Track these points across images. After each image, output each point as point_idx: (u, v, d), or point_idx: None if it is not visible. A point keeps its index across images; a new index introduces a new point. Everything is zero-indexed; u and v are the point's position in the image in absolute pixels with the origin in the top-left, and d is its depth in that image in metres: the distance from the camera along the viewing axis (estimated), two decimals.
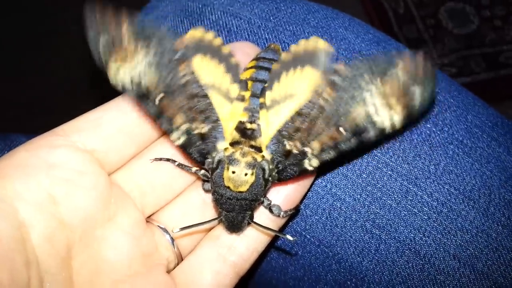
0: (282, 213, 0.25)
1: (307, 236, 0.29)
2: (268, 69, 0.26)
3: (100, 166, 0.24)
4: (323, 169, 0.25)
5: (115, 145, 0.24)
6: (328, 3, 0.35)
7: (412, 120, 0.23)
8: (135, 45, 0.24)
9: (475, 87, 0.99)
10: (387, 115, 0.23)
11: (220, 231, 0.25)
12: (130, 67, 0.23)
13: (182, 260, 0.26)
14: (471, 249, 0.27)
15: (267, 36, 0.32)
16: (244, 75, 0.26)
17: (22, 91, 0.94)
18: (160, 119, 0.24)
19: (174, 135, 0.24)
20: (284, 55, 0.25)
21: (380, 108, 0.23)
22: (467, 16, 1.04)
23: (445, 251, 0.27)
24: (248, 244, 0.25)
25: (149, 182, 0.25)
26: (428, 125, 0.29)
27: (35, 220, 0.21)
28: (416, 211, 0.27)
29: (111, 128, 0.24)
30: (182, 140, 0.24)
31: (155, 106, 0.24)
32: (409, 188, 0.28)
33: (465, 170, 0.28)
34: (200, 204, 0.26)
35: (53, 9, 1.03)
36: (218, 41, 0.25)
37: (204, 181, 0.25)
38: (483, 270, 0.27)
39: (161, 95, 0.24)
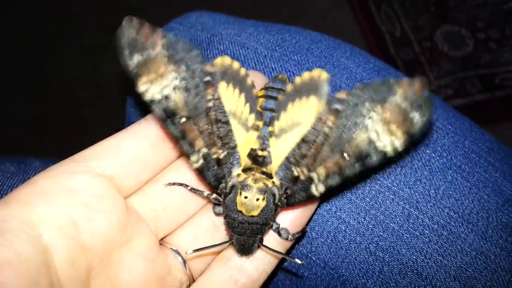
0: (290, 236, 0.26)
1: (313, 258, 0.30)
2: (276, 98, 0.27)
3: (117, 191, 0.25)
4: (328, 193, 0.26)
5: (132, 171, 0.25)
6: (327, 27, 0.37)
7: (412, 143, 0.24)
8: (167, 67, 0.25)
9: (471, 109, 1.01)
10: (388, 140, 0.24)
11: (231, 253, 0.26)
12: (159, 87, 0.25)
13: (194, 281, 0.27)
14: (470, 270, 0.28)
15: (273, 65, 0.33)
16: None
17: (22, 110, 0.95)
18: (181, 140, 0.25)
19: (193, 158, 0.25)
20: (289, 87, 0.26)
21: (381, 134, 0.24)
22: (463, 39, 1.06)
23: (446, 273, 0.28)
24: (257, 265, 0.26)
25: (162, 205, 0.26)
26: (428, 151, 0.30)
27: (58, 244, 0.22)
28: (417, 233, 0.29)
29: (128, 155, 0.25)
30: (200, 163, 0.25)
31: (178, 127, 0.25)
32: (411, 212, 0.29)
33: (463, 194, 0.29)
34: (210, 227, 0.27)
35: (54, 29, 1.04)
36: (243, 71, 0.26)
37: (215, 204, 0.27)
38: None
39: (185, 117, 0.25)
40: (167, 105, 0.25)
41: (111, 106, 0.90)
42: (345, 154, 0.24)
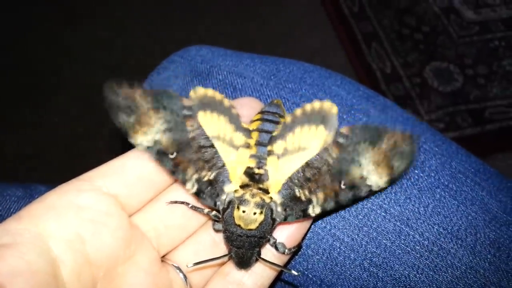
0: (286, 250, 0.27)
1: (309, 275, 0.31)
2: (272, 121, 0.29)
3: (122, 209, 0.26)
4: (322, 214, 0.28)
5: (136, 190, 0.27)
6: (320, 64, 0.39)
7: (393, 182, 0.28)
8: (154, 117, 0.27)
9: (462, 142, 1.03)
10: (376, 179, 0.27)
11: (230, 268, 0.28)
12: (151, 136, 0.27)
13: None
14: (461, 284, 0.29)
15: (268, 93, 0.35)
16: (251, 126, 0.29)
17: (21, 145, 0.96)
18: (175, 172, 0.27)
19: (188, 185, 0.27)
20: (298, 111, 0.28)
21: (371, 173, 0.27)
22: (451, 75, 1.10)
23: (437, 287, 0.29)
24: (256, 279, 0.27)
25: (164, 224, 0.28)
26: (416, 171, 0.32)
27: (66, 257, 0.23)
28: (409, 249, 0.30)
29: (133, 175, 0.27)
30: (195, 188, 0.27)
31: (170, 162, 0.27)
32: (402, 228, 0.30)
33: (452, 212, 0.31)
34: (211, 244, 0.28)
35: (54, 67, 1.07)
36: (218, 96, 0.28)
37: (214, 221, 0.28)
38: None
39: (175, 153, 0.27)
40: (158, 148, 0.27)
41: (110, 141, 0.92)
42: (342, 185, 0.27)
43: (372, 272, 0.30)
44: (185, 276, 0.27)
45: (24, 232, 0.23)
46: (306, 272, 0.31)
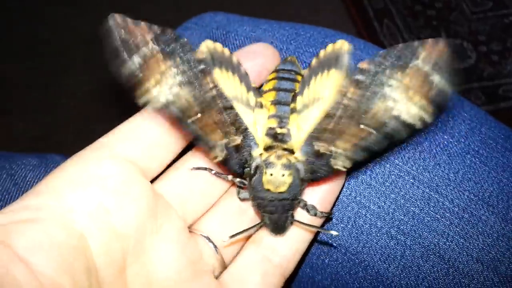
0: (318, 213, 0.26)
1: (333, 244, 0.30)
2: (288, 79, 0.27)
3: (143, 176, 0.24)
4: (357, 167, 0.26)
5: (154, 153, 0.25)
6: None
7: (436, 111, 0.23)
8: (165, 63, 0.23)
9: None
10: (407, 108, 0.23)
11: (262, 235, 0.26)
12: (167, 86, 0.23)
13: (225, 266, 0.26)
14: (493, 252, 0.28)
15: None
16: (267, 86, 0.27)
17: (30, 127, 0.95)
18: (200, 138, 0.24)
19: (216, 152, 0.25)
20: (313, 61, 0.26)
21: (400, 102, 0.23)
22: (465, 52, 1.07)
23: (468, 255, 0.28)
24: (290, 244, 0.26)
25: (188, 190, 0.26)
26: (446, 136, 0.30)
27: (92, 231, 0.22)
28: (438, 217, 0.29)
29: (149, 137, 0.25)
30: (223, 154, 0.25)
31: (194, 125, 0.24)
32: (431, 195, 0.29)
33: (482, 178, 0.29)
34: (237, 211, 0.27)
35: (61, 47, 1.06)
36: (227, 51, 0.26)
37: (239, 189, 0.26)
38: (506, 272, 0.28)
39: (199, 112, 0.24)
40: (180, 104, 0.23)
41: (119, 122, 0.91)
42: (368, 127, 0.23)
43: (399, 240, 0.29)
44: (215, 246, 0.26)
45: (45, 207, 0.21)
46: (330, 241, 0.30)
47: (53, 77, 1.01)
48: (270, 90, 0.27)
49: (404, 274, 0.29)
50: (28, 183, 0.32)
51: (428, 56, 0.22)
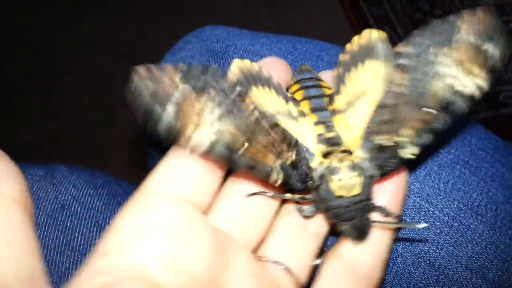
0: (390, 213, 0.25)
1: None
2: (314, 86, 0.26)
3: (199, 211, 0.23)
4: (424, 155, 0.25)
5: (202, 186, 0.24)
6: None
7: (492, 77, 0.23)
8: (200, 101, 0.22)
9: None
10: (468, 81, 0.22)
11: (340, 248, 0.25)
12: (207, 126, 0.22)
13: (303, 286, 0.25)
14: (481, 260, 0.29)
15: None
16: (296, 97, 0.26)
17: (35, 133, 0.96)
18: (254, 168, 0.23)
19: (274, 177, 0.23)
20: (341, 57, 0.25)
21: (458, 76, 0.22)
22: None
23: (458, 262, 0.29)
24: (371, 252, 0.25)
25: (243, 217, 0.24)
26: (436, 147, 0.31)
27: (168, 279, 0.21)
28: (429, 225, 0.30)
29: (192, 171, 0.23)
30: (281, 177, 0.23)
31: (243, 157, 0.22)
32: (422, 204, 0.30)
33: (472, 188, 0.30)
34: (297, 228, 0.25)
35: (66, 53, 1.07)
36: (256, 66, 0.25)
37: (298, 203, 0.25)
38: (493, 279, 0.29)
39: (245, 141, 0.22)
40: (224, 140, 0.22)
41: (123, 128, 0.92)
42: (428, 108, 0.23)
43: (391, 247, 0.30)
44: (287, 268, 0.24)
45: (117, 267, 0.20)
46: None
47: (57, 83, 1.03)
48: (301, 100, 0.26)
49: (396, 281, 0.30)
50: (34, 193, 0.33)
51: (471, 27, 0.22)
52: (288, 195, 0.24)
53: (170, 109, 0.21)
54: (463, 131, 0.33)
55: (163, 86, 0.21)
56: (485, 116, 1.04)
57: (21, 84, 1.02)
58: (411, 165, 0.30)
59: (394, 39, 1.10)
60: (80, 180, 0.34)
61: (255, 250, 0.25)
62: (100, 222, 0.32)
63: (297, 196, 0.24)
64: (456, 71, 0.23)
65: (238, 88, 0.23)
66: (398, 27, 1.13)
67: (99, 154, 0.93)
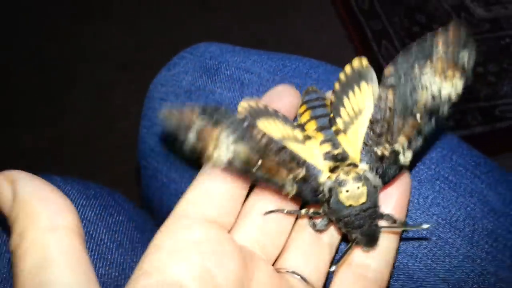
0: (396, 220, 0.27)
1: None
2: (320, 106, 0.29)
3: (226, 232, 0.26)
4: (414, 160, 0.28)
5: (228, 209, 0.27)
6: (331, 62, 0.40)
7: (466, 80, 0.26)
8: (216, 129, 0.26)
9: (472, 140, 1.03)
10: (448, 86, 0.26)
11: (351, 256, 0.27)
12: (224, 146, 0.26)
13: None
14: (458, 273, 0.30)
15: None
16: (303, 118, 0.29)
17: (36, 141, 0.98)
18: (269, 180, 0.26)
19: (288, 188, 0.26)
20: (337, 85, 0.29)
21: (440, 84, 0.26)
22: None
23: (435, 275, 0.30)
24: (380, 256, 0.27)
25: (263, 233, 0.27)
26: (417, 163, 0.33)
27: None
28: (408, 239, 0.31)
29: (219, 195, 0.27)
30: (294, 189, 0.26)
31: (258, 173, 0.26)
32: None
33: (451, 203, 0.32)
34: (312, 240, 0.28)
35: (67, 62, 1.09)
36: (261, 104, 0.28)
37: (310, 218, 0.28)
38: None
39: (260, 160, 0.26)
40: (240, 158, 0.26)
41: (122, 138, 0.94)
42: (417, 116, 0.26)
43: None
44: (304, 279, 0.27)
45: (161, 285, 0.23)
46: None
47: (60, 92, 1.04)
48: (308, 120, 0.29)
49: None
50: None
51: (446, 40, 0.26)
52: (303, 211, 0.27)
53: (191, 135, 0.26)
54: (444, 148, 0.34)
55: (184, 121, 0.26)
56: (481, 130, 1.05)
57: (22, 92, 1.04)
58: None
59: (391, 52, 1.12)
60: (74, 190, 0.35)
61: (275, 263, 0.28)
62: (91, 233, 0.34)
63: (310, 211, 0.27)
64: (439, 80, 0.26)
65: (245, 123, 0.27)
66: (396, 41, 1.14)
67: (97, 163, 0.94)
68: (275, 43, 1.10)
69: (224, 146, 0.26)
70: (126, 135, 0.86)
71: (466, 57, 0.26)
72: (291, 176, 0.26)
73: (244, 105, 0.29)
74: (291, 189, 0.26)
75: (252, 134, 0.26)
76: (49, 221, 0.21)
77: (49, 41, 1.11)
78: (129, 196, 0.53)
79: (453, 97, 0.26)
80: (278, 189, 0.27)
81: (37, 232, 0.21)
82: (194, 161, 0.27)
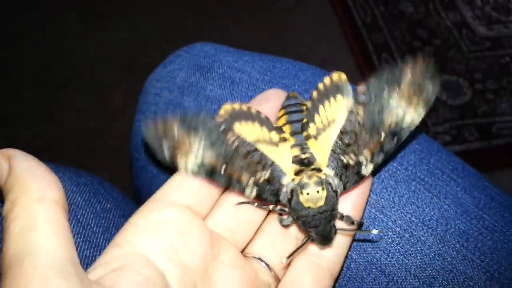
0: (355, 221, 0.29)
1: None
2: (296, 111, 0.31)
3: (199, 217, 0.29)
4: (375, 170, 0.30)
5: (201, 198, 0.30)
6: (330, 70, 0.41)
7: (427, 107, 0.29)
8: (190, 138, 0.29)
9: (469, 156, 1.05)
10: (412, 110, 0.28)
11: (308, 247, 0.30)
12: (194, 155, 0.29)
13: (279, 279, 0.30)
14: (429, 270, 0.31)
15: (263, 87, 0.38)
16: (280, 122, 0.31)
17: (34, 140, 1.00)
18: (231, 184, 0.29)
19: (248, 191, 0.29)
20: (314, 93, 0.31)
21: (405, 107, 0.29)
22: (461, 89, 1.11)
23: (407, 271, 0.31)
24: (333, 250, 0.29)
25: (234, 222, 0.30)
26: (395, 164, 0.34)
27: (169, 268, 0.26)
28: (382, 235, 0.32)
29: (195, 186, 0.29)
30: (254, 192, 0.29)
31: (223, 176, 0.29)
32: (376, 215, 0.32)
33: (425, 203, 0.33)
34: (280, 231, 0.31)
35: (68, 62, 1.11)
36: (244, 107, 0.31)
37: (280, 215, 0.30)
38: None
39: (224, 165, 0.29)
40: (207, 164, 0.29)
41: (119, 138, 0.95)
42: (382, 133, 0.28)
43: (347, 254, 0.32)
44: (267, 265, 0.30)
45: (129, 255, 0.25)
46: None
47: (59, 91, 1.06)
48: (284, 124, 0.31)
49: (349, 285, 0.32)
50: None
51: (414, 70, 0.29)
52: (271, 206, 0.30)
53: (167, 144, 0.29)
54: (422, 151, 0.35)
55: (164, 131, 0.29)
56: (479, 147, 1.06)
57: (23, 90, 1.06)
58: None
59: (391, 65, 1.14)
60: (65, 177, 0.37)
61: (244, 249, 0.31)
62: (79, 217, 0.35)
63: (278, 207, 0.30)
64: (404, 104, 0.29)
65: (222, 127, 0.30)
66: (396, 54, 1.16)
67: (94, 163, 0.96)
68: (275, 52, 1.12)
69: (193, 155, 0.29)
70: (124, 136, 0.87)
71: (430, 88, 0.28)
72: (252, 180, 0.29)
73: (227, 108, 0.31)
74: (252, 191, 0.29)
75: (225, 138, 0.29)
76: (39, 193, 0.24)
77: (51, 41, 1.13)
78: (126, 194, 0.54)
79: (416, 122, 0.29)
80: (240, 191, 0.29)
81: (27, 201, 0.23)
82: (172, 168, 0.30)
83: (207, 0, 1.21)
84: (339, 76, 0.31)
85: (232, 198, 0.30)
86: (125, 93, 1.04)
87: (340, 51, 1.17)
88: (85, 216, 0.35)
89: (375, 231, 0.29)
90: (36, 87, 1.06)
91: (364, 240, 0.33)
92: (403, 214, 0.32)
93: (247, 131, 0.30)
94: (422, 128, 0.29)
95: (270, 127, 0.31)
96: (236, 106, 0.31)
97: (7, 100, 1.04)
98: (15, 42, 1.12)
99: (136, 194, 0.46)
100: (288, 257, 0.28)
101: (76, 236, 0.34)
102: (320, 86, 0.31)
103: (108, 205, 0.38)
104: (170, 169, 0.30)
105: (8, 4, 1.18)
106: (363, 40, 1.17)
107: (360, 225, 0.30)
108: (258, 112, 0.31)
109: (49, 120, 1.02)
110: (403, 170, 0.34)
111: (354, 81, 0.35)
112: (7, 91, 1.05)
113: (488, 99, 1.10)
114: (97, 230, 0.35)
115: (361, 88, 0.29)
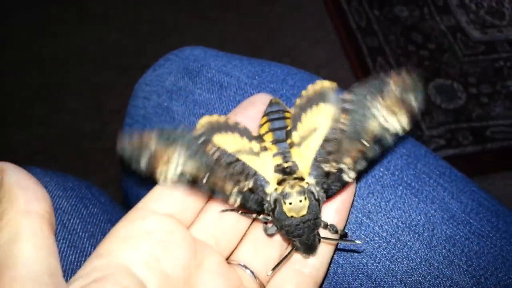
0: (338, 230, 0.29)
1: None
2: (279, 118, 0.31)
3: (182, 225, 0.29)
4: (358, 176, 0.30)
5: (185, 206, 0.29)
6: (326, 77, 0.41)
7: (412, 119, 0.29)
8: (168, 152, 0.29)
9: (462, 160, 1.05)
10: (394, 121, 0.28)
11: (291, 254, 0.29)
12: (173, 168, 0.28)
13: (264, 287, 0.30)
14: (415, 275, 0.31)
15: (252, 91, 0.38)
16: (263, 129, 0.31)
17: (28, 141, 0.99)
18: (215, 193, 0.29)
19: (231, 200, 0.29)
20: (297, 101, 0.31)
21: (387, 117, 0.28)
22: (455, 93, 1.11)
23: (393, 276, 0.31)
24: (316, 258, 0.29)
25: (219, 229, 0.30)
26: (381, 169, 0.34)
27: (149, 278, 0.26)
28: (368, 240, 0.32)
29: (180, 194, 0.29)
30: (238, 200, 0.29)
31: (205, 186, 0.28)
32: (363, 220, 0.32)
33: (411, 208, 0.33)
34: (265, 238, 0.30)
35: (65, 64, 1.10)
36: (222, 118, 0.31)
37: (265, 224, 0.30)
38: None
39: (206, 175, 0.28)
40: (189, 174, 0.28)
41: (113, 140, 0.95)
42: (364, 142, 0.28)
43: (333, 259, 0.32)
44: (252, 272, 0.30)
45: (109, 265, 0.25)
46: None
47: (55, 93, 1.06)
48: (266, 132, 0.31)
49: None
50: None
51: (397, 82, 0.29)
52: (254, 215, 0.30)
53: (146, 157, 0.28)
54: (409, 155, 0.35)
55: (141, 145, 0.29)
56: (473, 151, 1.06)
57: (19, 91, 1.06)
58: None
59: (386, 70, 1.14)
60: (52, 182, 0.37)
61: (229, 256, 0.30)
62: (65, 222, 0.35)
63: (261, 216, 0.29)
64: (386, 114, 0.29)
65: (201, 139, 0.29)
66: (391, 58, 1.16)
67: (89, 164, 0.95)
68: (270, 56, 1.12)
69: (173, 166, 0.28)
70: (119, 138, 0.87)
71: (413, 98, 0.29)
72: (236, 189, 0.29)
73: (202, 122, 0.31)
74: (236, 199, 0.29)
75: (205, 150, 0.29)
76: (25, 206, 0.24)
77: (47, 43, 1.13)
78: (118, 196, 0.54)
79: (398, 130, 0.29)
80: (225, 199, 0.29)
81: (13, 214, 0.24)
82: (150, 179, 0.29)
83: (205, 4, 1.21)
84: (322, 84, 0.31)
85: (216, 205, 0.30)
86: (121, 95, 1.03)
87: (335, 55, 1.17)
88: (71, 221, 0.35)
89: (358, 241, 0.28)
90: (30, 88, 1.06)
91: (349, 250, 0.32)
92: (389, 219, 0.32)
93: (227, 142, 0.30)
94: (416, 132, 0.29)
95: (250, 137, 0.31)
96: (213, 118, 0.31)
97: (1, 102, 1.03)
98: (10, 43, 1.12)
99: (124, 199, 0.46)
100: (273, 269, 0.28)
101: (61, 241, 0.34)
102: (303, 93, 0.31)
103: (95, 210, 0.38)
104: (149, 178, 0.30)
105: (2, 5, 1.18)
106: (357, 44, 1.18)
107: (344, 235, 0.30)
108: (236, 123, 0.31)
109: (43, 121, 1.01)
110: (390, 175, 0.34)
111: (348, 85, 0.35)
112: (1, 93, 1.05)
113: (482, 103, 1.10)
114: (83, 235, 0.35)
115: (346, 95, 0.29)
